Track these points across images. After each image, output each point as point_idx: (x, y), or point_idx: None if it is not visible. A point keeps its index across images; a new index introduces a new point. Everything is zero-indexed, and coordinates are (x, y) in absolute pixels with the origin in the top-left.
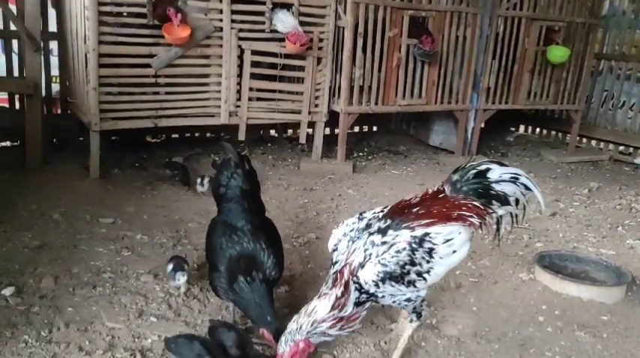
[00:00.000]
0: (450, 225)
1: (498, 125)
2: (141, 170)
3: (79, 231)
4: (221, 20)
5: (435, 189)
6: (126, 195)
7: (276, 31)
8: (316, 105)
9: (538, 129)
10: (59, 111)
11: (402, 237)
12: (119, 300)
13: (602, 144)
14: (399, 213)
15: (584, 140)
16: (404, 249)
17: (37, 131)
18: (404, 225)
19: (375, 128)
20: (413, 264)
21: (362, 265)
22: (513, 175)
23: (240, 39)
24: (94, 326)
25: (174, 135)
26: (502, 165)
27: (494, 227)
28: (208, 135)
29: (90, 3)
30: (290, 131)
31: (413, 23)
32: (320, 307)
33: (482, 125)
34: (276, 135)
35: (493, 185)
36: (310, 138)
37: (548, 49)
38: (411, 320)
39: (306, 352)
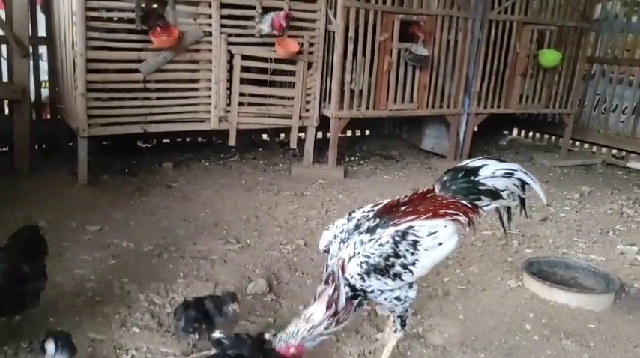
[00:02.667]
0: (433, 219)
1: (491, 129)
2: (130, 176)
3: (65, 239)
4: (210, 25)
5: (426, 189)
6: (114, 201)
7: (266, 36)
8: (307, 110)
9: (531, 133)
10: (49, 117)
11: (387, 233)
12: (102, 310)
13: (594, 148)
14: (388, 212)
15: (577, 144)
16: (387, 242)
17: (26, 137)
18: (391, 223)
19: (367, 132)
20: (397, 256)
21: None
22: (508, 170)
23: (229, 44)
24: (75, 337)
25: (165, 140)
26: (500, 161)
27: (500, 219)
28: (200, 140)
29: (77, 8)
30: (282, 135)
31: (404, 27)
32: (316, 311)
33: (476, 129)
34: (268, 139)
35: (483, 181)
36: (302, 142)
37: (540, 52)
38: (396, 330)
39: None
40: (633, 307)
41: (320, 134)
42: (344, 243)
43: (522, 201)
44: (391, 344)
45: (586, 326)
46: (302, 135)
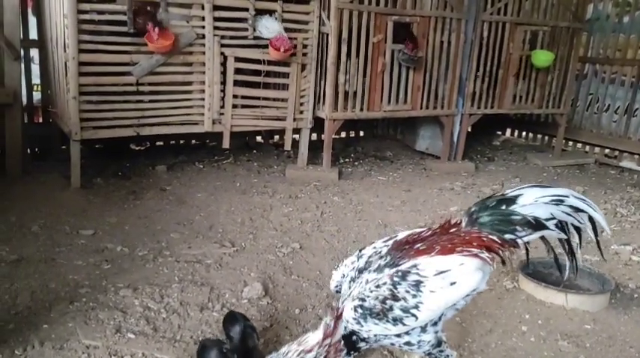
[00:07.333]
0: (446, 256)
1: (485, 129)
2: (124, 179)
3: (58, 244)
4: (203, 27)
5: (453, 222)
6: (107, 205)
7: (259, 38)
8: (301, 112)
9: (525, 133)
10: (41, 120)
11: (387, 273)
12: (96, 316)
13: (587, 148)
14: (400, 250)
15: (570, 143)
16: (384, 283)
17: (17, 140)
18: (400, 262)
19: (362, 133)
20: (395, 298)
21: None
22: (555, 197)
23: (222, 46)
24: (69, 344)
25: (158, 143)
26: (544, 187)
27: (568, 251)
28: (194, 142)
29: (69, 11)
30: (277, 137)
31: (398, 28)
32: (312, 337)
33: (469, 129)
34: (262, 141)
35: (518, 209)
36: (296, 144)
37: (533, 53)
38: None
39: None
40: (629, 307)
41: (315, 136)
42: (354, 281)
43: (578, 230)
44: None
45: (582, 327)
46: (296, 136)
